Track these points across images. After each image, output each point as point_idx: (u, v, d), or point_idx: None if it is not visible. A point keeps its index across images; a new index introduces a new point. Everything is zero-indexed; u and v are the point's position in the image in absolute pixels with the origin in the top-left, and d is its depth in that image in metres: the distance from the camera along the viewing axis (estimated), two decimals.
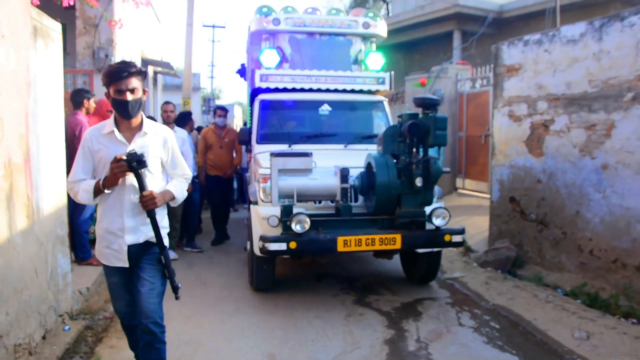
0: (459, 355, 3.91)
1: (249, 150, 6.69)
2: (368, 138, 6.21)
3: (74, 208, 5.23)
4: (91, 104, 5.71)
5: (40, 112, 3.80)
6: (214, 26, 33.44)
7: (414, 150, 4.70)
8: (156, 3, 8.54)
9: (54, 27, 4.13)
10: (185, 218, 7.14)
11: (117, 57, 6.97)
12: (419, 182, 4.57)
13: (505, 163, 6.70)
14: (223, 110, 7.96)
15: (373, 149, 5.63)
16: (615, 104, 5.14)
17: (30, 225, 3.54)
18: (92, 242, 5.90)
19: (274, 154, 4.65)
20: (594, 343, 4.01)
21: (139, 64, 9.06)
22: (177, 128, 6.69)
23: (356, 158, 5.26)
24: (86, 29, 6.63)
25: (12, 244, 3.24)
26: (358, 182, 4.81)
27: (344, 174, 4.70)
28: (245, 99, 8.92)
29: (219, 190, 7.74)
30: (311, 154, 4.71)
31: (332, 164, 4.89)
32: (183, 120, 7.23)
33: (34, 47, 3.68)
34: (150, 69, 10.50)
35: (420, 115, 4.70)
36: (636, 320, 4.50)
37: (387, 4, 26.27)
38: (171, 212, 5.97)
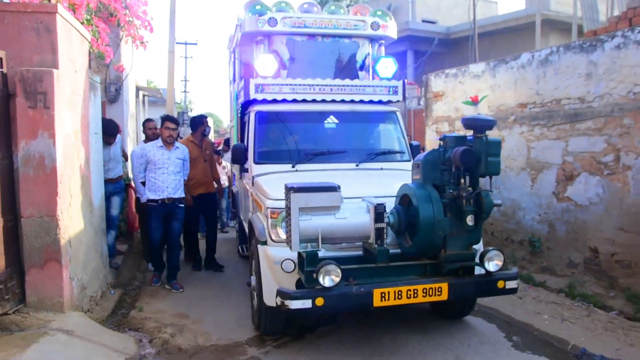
0: None
1: (244, 170, 5.90)
2: (382, 155, 5.58)
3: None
4: None
5: (92, 140, 5.46)
6: (186, 43, 34.97)
7: (462, 180, 3.93)
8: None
9: (98, 80, 5.81)
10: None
11: (123, 90, 8.63)
12: (470, 220, 3.80)
13: None
14: (203, 121, 7.12)
15: (389, 167, 5.31)
16: (504, 124, 7.05)
17: (92, 219, 5.20)
18: None
19: (294, 189, 3.72)
20: None
21: (134, 92, 10.71)
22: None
23: (372, 179, 4.81)
24: (99, 68, 8.25)
25: (87, 230, 4.91)
26: (394, 220, 3.93)
27: (379, 211, 3.82)
28: (215, 109, 8.35)
29: (204, 212, 7.00)
30: (339, 187, 3.84)
31: (347, 190, 4.00)
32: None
33: (90, 98, 5.35)
34: (141, 94, 12.13)
35: (470, 138, 4.02)
36: None
37: None
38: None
